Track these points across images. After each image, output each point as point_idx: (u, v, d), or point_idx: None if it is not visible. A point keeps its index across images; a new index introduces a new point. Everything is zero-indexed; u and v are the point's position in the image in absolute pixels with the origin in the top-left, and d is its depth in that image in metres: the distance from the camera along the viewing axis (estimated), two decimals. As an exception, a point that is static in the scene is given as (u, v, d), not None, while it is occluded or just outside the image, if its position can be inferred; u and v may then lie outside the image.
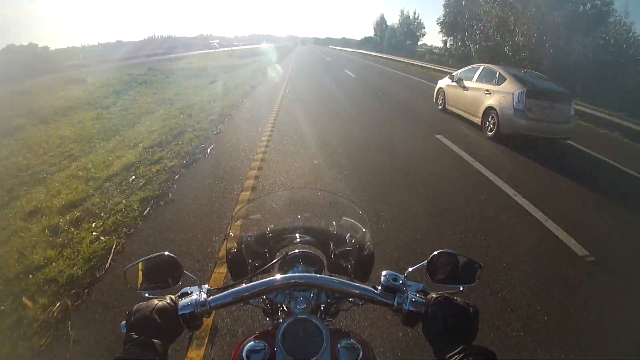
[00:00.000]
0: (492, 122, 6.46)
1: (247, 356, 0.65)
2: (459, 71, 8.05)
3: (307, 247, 0.91)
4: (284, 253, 0.85)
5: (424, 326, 0.66)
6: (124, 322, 0.63)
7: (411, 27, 48.13)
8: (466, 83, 7.44)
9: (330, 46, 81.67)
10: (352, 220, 0.96)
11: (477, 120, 6.88)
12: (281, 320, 0.68)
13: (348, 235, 0.89)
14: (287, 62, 24.90)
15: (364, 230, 0.93)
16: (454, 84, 7.90)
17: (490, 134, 6.45)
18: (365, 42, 63.46)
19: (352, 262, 0.87)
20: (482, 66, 7.42)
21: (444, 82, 8.54)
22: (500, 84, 6.53)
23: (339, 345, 0.67)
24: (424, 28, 43.93)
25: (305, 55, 36.43)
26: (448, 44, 27.22)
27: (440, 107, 8.60)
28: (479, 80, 7.16)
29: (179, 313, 0.65)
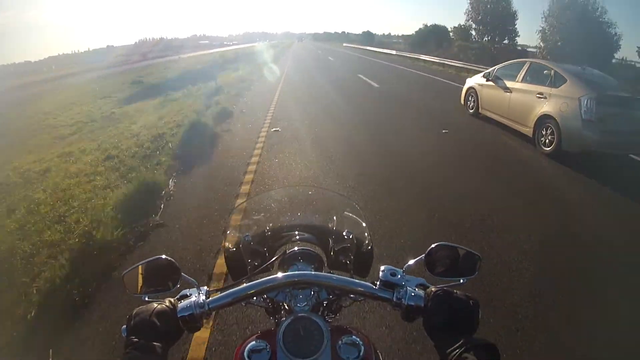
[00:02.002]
0: (549, 134, 5.08)
1: (248, 356, 0.66)
2: (496, 68, 6.61)
3: (306, 244, 0.92)
4: (283, 251, 0.86)
5: (424, 320, 0.64)
6: (124, 326, 0.62)
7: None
8: (508, 83, 6.02)
9: (345, 44, 57.09)
10: (351, 216, 0.95)
11: (527, 130, 5.50)
12: (283, 319, 0.68)
13: (346, 232, 0.88)
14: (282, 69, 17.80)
15: (362, 225, 0.92)
16: (490, 83, 6.48)
17: (547, 149, 5.09)
18: (367, 37, 59.81)
19: (352, 258, 0.86)
20: (528, 62, 5.98)
21: (475, 81, 7.11)
22: (558, 86, 5.13)
23: (340, 342, 0.66)
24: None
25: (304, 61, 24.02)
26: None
27: (471, 110, 7.19)
28: (527, 79, 5.74)
29: (179, 315, 0.65)
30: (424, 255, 0.74)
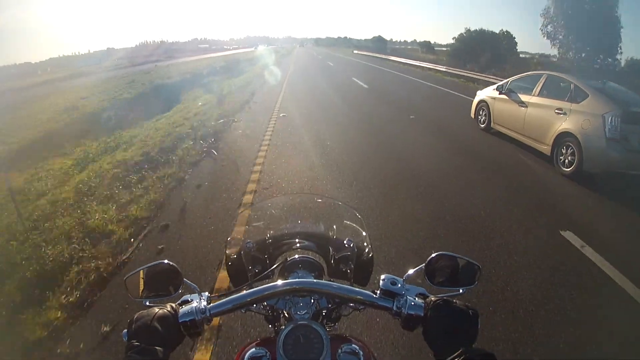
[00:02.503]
0: (569, 154, 4.70)
1: None
2: (509, 80, 6.27)
3: (307, 252, 0.92)
4: (283, 259, 0.87)
5: (423, 330, 0.65)
6: (125, 330, 0.62)
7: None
8: (523, 97, 5.67)
9: (356, 51, 46.75)
10: (351, 225, 0.95)
11: (544, 148, 5.12)
12: (282, 327, 0.68)
13: (347, 240, 0.87)
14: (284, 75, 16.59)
15: (363, 234, 0.92)
16: (504, 96, 6.14)
17: (567, 170, 4.70)
18: (379, 43, 55.22)
19: (352, 266, 0.85)
20: (545, 74, 5.64)
21: (486, 94, 6.77)
22: (579, 101, 4.77)
23: (339, 351, 0.66)
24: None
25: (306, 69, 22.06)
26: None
27: (482, 125, 6.83)
28: (544, 93, 5.39)
29: (180, 321, 0.65)
30: (424, 264, 0.74)
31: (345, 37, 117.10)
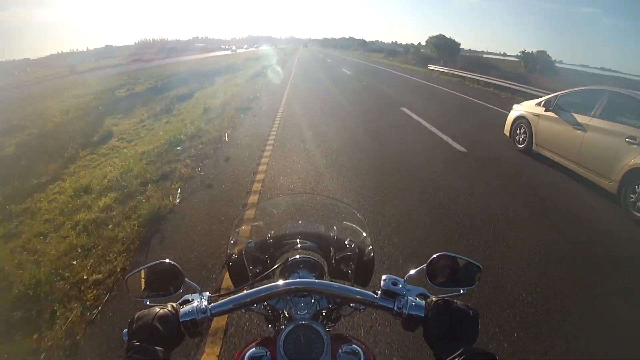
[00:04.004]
0: (645, 196, 3.71)
1: None
2: (558, 94, 5.26)
3: (308, 252, 0.91)
4: (284, 259, 0.86)
5: (424, 330, 0.65)
6: (125, 330, 0.62)
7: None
8: (579, 117, 4.65)
9: (432, 66, 23.12)
10: (352, 225, 0.96)
11: (609, 185, 4.12)
12: (283, 327, 0.69)
13: (348, 240, 0.88)
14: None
15: (364, 235, 0.93)
16: (551, 114, 5.13)
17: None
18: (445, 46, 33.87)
19: (353, 267, 0.86)
20: (607, 91, 4.61)
21: (526, 109, 5.75)
22: (660, 129, 3.76)
23: (340, 351, 0.66)
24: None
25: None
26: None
27: (520, 146, 5.82)
28: (608, 115, 4.36)
29: (180, 320, 0.65)
30: (425, 265, 0.74)
31: (351, 37, 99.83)
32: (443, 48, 32.14)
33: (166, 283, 0.73)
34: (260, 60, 30.92)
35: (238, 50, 68.58)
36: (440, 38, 33.89)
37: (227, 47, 70.86)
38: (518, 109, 5.96)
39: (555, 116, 5.02)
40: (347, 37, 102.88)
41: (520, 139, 5.82)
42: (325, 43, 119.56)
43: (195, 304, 0.67)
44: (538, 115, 5.38)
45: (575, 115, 4.71)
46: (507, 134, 6.18)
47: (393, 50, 48.90)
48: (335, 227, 0.94)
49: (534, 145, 5.48)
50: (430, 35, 34.84)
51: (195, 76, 19.27)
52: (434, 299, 0.66)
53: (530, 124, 5.55)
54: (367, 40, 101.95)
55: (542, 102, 5.37)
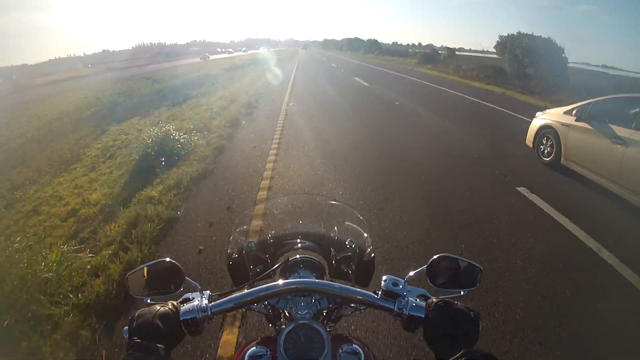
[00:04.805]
0: None
1: None
2: (591, 102, 4.68)
3: (308, 252, 0.92)
4: (285, 259, 0.87)
5: (424, 331, 0.64)
6: (126, 327, 0.62)
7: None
8: (617, 129, 4.08)
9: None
10: (353, 226, 0.95)
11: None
12: (283, 326, 0.69)
13: (349, 241, 0.88)
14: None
15: (364, 235, 0.92)
16: (584, 124, 4.56)
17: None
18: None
19: (353, 267, 0.86)
20: (651, 100, 4.03)
21: (553, 118, 5.18)
22: None
23: (340, 351, 0.67)
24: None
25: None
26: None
27: (546, 158, 5.25)
28: (652, 127, 3.80)
29: (181, 319, 0.65)
30: (425, 266, 0.74)
31: (357, 38, 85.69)
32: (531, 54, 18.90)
33: (167, 281, 0.73)
34: (256, 64, 27.31)
35: (235, 53, 68.25)
36: (531, 39, 19.65)
37: (222, 50, 70.67)
38: (542, 117, 5.39)
39: (589, 127, 4.46)
40: (353, 37, 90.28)
41: (546, 150, 5.25)
42: (327, 44, 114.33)
43: (196, 302, 0.68)
44: (568, 126, 4.81)
45: (612, 127, 4.15)
46: (530, 144, 5.61)
47: (429, 56, 32.63)
48: (335, 228, 0.95)
49: (562, 159, 4.91)
50: (503, 35, 20.91)
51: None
52: (434, 300, 0.66)
53: (558, 135, 4.97)
54: (354, 38, 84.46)
55: (574, 111, 4.78)
